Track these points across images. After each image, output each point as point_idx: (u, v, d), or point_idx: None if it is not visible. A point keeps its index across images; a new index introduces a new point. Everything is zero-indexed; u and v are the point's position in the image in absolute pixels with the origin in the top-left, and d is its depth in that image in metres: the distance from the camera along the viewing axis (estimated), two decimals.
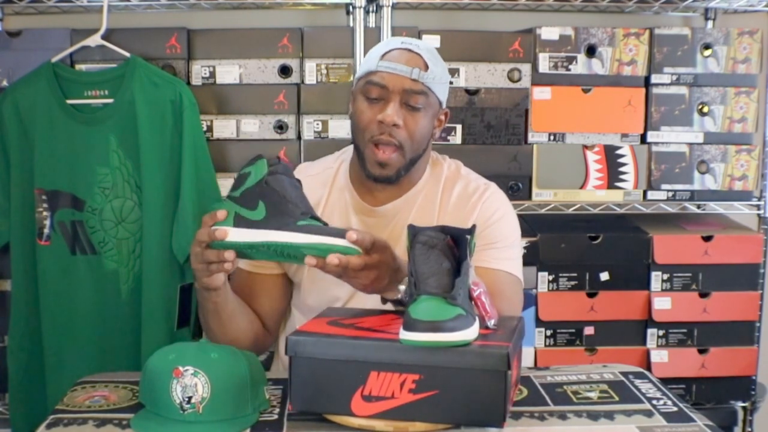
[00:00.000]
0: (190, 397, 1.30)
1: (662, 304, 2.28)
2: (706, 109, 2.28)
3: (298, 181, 1.47)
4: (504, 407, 1.25)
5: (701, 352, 2.31)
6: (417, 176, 1.72)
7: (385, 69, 1.62)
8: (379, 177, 1.66)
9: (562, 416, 1.36)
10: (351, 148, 1.75)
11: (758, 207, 2.34)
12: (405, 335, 1.23)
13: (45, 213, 2.05)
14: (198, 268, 1.48)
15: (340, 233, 1.38)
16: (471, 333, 1.26)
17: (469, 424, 1.27)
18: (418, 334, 1.22)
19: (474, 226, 1.37)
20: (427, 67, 1.63)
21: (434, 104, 1.67)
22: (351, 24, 2.24)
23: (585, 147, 2.27)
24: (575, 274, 2.27)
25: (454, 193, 1.73)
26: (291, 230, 1.38)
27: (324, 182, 1.76)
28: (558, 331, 2.29)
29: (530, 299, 2.25)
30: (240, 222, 1.41)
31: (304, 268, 1.70)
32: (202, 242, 1.42)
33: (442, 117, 1.73)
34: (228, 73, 2.19)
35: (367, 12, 2.24)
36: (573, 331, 2.29)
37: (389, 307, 1.53)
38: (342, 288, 1.63)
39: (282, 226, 1.39)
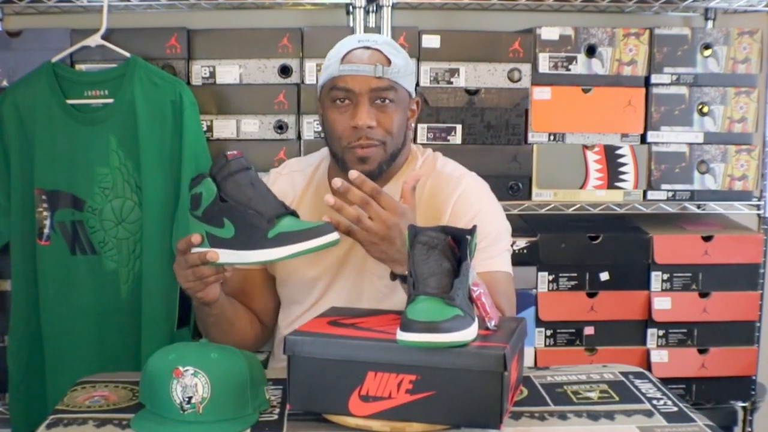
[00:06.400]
0: (190, 398, 1.30)
1: (662, 304, 2.28)
2: (706, 109, 2.28)
3: (251, 169, 1.43)
4: (501, 408, 1.25)
5: (701, 352, 2.31)
6: (393, 172, 1.70)
7: (348, 72, 1.60)
8: (362, 173, 1.64)
9: (563, 416, 1.36)
10: None
11: (758, 207, 2.34)
12: (401, 336, 1.23)
13: (45, 213, 2.05)
14: (190, 286, 1.48)
15: (316, 232, 1.36)
16: (468, 334, 1.26)
17: (465, 425, 1.27)
18: (415, 335, 1.22)
19: (475, 227, 1.37)
20: (389, 62, 1.62)
21: (404, 97, 1.65)
22: (351, 24, 2.24)
23: (585, 147, 2.27)
24: (575, 274, 2.27)
25: (426, 189, 1.69)
26: (266, 246, 1.36)
27: (300, 181, 1.76)
28: (558, 331, 2.29)
29: (530, 299, 2.25)
30: (214, 241, 1.40)
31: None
32: (193, 264, 1.43)
33: (414, 106, 1.71)
34: (228, 73, 2.19)
35: (367, 12, 2.24)
36: (573, 331, 2.29)
37: (398, 284, 1.52)
38: (317, 267, 1.64)
39: (255, 242, 1.36)
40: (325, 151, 1.80)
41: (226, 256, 1.40)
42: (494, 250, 1.67)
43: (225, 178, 1.39)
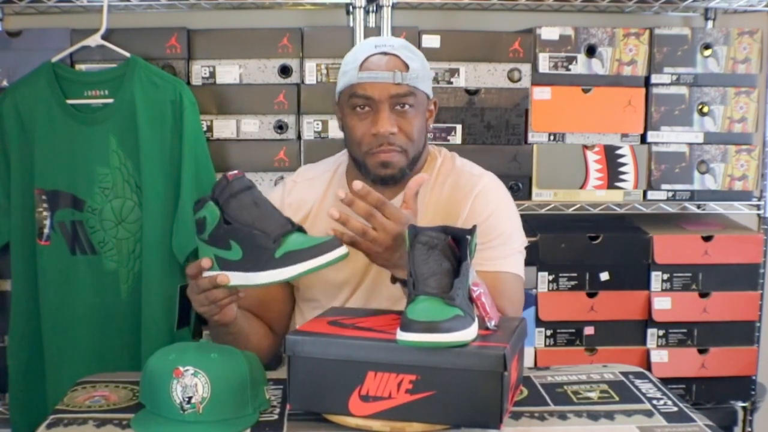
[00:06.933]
0: (190, 398, 1.30)
1: (662, 304, 2.28)
2: (706, 109, 2.28)
3: (254, 188, 1.41)
4: (501, 408, 1.25)
5: (701, 352, 2.31)
6: (414, 174, 1.69)
7: (367, 79, 1.60)
8: (385, 177, 1.64)
9: (563, 416, 1.36)
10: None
11: (758, 207, 2.34)
12: (401, 336, 1.23)
13: (45, 213, 2.05)
14: (205, 310, 1.47)
15: (324, 248, 1.35)
16: (468, 334, 1.26)
17: (466, 425, 1.27)
18: (415, 335, 1.22)
19: (475, 227, 1.37)
20: (407, 67, 1.61)
21: (422, 100, 1.65)
22: (351, 24, 2.25)
23: (585, 147, 2.27)
24: (575, 274, 2.27)
25: (446, 187, 1.70)
26: (275, 267, 1.35)
27: (319, 186, 1.75)
28: (558, 331, 2.29)
29: (530, 299, 2.25)
30: (223, 264, 1.39)
31: None
32: (205, 289, 1.42)
33: (432, 107, 1.71)
34: (228, 73, 2.19)
35: (367, 12, 2.24)
36: (573, 331, 2.29)
37: (398, 287, 1.52)
38: (344, 272, 1.64)
39: (264, 263, 1.35)
40: (337, 157, 1.81)
41: (236, 278, 1.39)
42: (506, 250, 1.67)
43: (227, 200, 1.38)
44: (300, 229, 1.42)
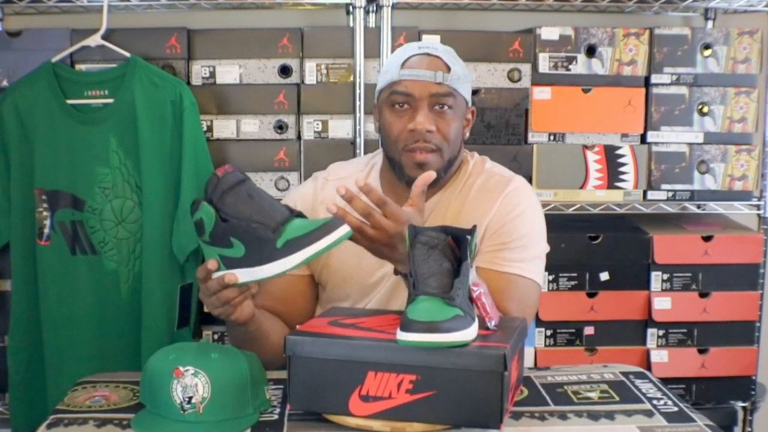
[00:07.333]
0: (190, 397, 1.30)
1: (662, 304, 2.28)
2: (706, 109, 2.28)
3: (246, 180, 1.40)
4: (501, 408, 1.25)
5: (701, 352, 2.31)
6: (446, 180, 1.70)
7: (408, 77, 1.61)
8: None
9: (563, 416, 1.36)
10: (382, 152, 1.73)
11: (758, 207, 2.34)
12: (401, 336, 1.23)
13: (45, 213, 2.05)
14: (219, 312, 1.46)
15: (325, 230, 1.33)
16: (468, 334, 1.26)
17: (466, 425, 1.27)
18: (415, 335, 1.22)
19: (474, 227, 1.37)
20: (449, 69, 1.62)
21: (461, 104, 1.66)
22: (351, 24, 2.25)
23: (585, 147, 2.27)
24: (575, 274, 2.27)
25: (475, 186, 1.70)
26: (278, 257, 1.33)
27: (351, 187, 1.74)
28: (558, 331, 2.29)
29: None
30: (229, 263, 1.38)
31: (330, 268, 1.70)
32: (215, 291, 1.41)
33: (469, 116, 1.72)
34: (228, 73, 2.19)
35: (367, 12, 2.24)
36: (573, 331, 2.29)
37: (401, 280, 1.52)
38: (378, 273, 1.64)
39: (268, 256, 1.34)
40: (369, 157, 1.81)
41: (244, 275, 1.37)
42: (527, 253, 1.65)
43: (220, 197, 1.36)
44: (300, 215, 1.40)
